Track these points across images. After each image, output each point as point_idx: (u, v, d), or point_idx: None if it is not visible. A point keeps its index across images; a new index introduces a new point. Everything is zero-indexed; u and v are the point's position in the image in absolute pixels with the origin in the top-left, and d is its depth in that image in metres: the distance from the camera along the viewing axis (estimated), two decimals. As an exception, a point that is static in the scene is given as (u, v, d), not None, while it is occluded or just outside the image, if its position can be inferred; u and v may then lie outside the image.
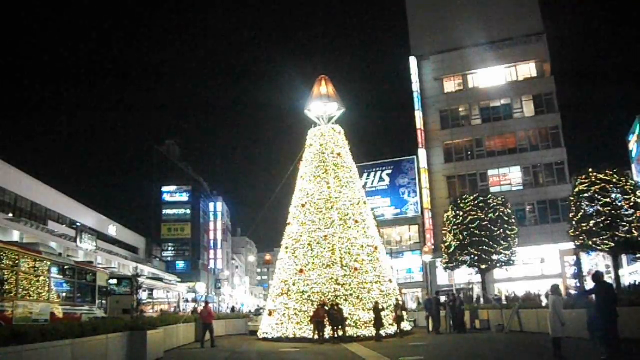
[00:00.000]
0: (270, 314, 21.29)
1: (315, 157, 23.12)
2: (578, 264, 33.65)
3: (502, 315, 21.71)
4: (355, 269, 20.44)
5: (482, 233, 31.49)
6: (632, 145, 44.60)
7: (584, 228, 26.82)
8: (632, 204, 26.28)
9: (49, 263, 17.06)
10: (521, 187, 45.64)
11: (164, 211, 74.56)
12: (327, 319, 18.61)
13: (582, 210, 27.19)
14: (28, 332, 8.80)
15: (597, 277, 11.21)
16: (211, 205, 79.59)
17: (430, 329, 22.45)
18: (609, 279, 23.84)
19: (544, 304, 20.44)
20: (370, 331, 19.10)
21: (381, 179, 51.60)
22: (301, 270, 20.70)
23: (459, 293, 34.17)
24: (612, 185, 26.72)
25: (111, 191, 63.85)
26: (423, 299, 43.44)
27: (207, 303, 20.78)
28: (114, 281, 25.79)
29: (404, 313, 21.81)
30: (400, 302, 21.69)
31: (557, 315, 11.53)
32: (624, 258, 34.30)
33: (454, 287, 38.80)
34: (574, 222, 27.71)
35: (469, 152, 48.52)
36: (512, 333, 19.98)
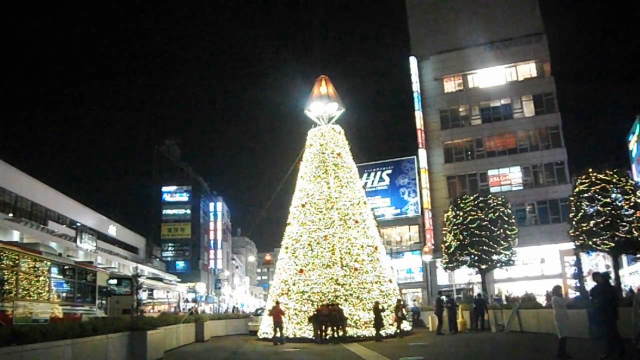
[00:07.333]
0: (270, 314, 21.27)
1: (315, 157, 23.12)
2: (578, 264, 33.60)
3: (502, 315, 21.71)
4: (355, 269, 20.44)
5: (482, 233, 31.44)
6: (632, 145, 44.54)
7: (584, 228, 26.76)
8: (632, 204, 26.20)
9: (49, 263, 17.05)
10: (521, 187, 45.61)
11: (164, 211, 74.62)
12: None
13: (582, 210, 27.12)
14: (28, 332, 8.80)
15: (605, 278, 11.40)
16: (211, 205, 79.63)
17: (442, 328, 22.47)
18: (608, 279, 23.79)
19: (543, 304, 20.46)
20: (370, 331, 19.11)
21: (381, 179, 51.55)
22: (301, 270, 20.70)
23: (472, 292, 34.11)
24: (612, 185, 26.64)
25: (111, 191, 64.00)
26: (426, 298, 43.51)
27: (277, 303, 20.65)
28: (114, 281, 25.75)
29: (404, 313, 21.81)
30: (401, 304, 21.68)
31: (564, 315, 11.77)
32: (624, 258, 34.26)
33: (454, 287, 38.79)
34: (574, 222, 27.65)
35: (469, 152, 48.49)
36: (512, 333, 19.99)
